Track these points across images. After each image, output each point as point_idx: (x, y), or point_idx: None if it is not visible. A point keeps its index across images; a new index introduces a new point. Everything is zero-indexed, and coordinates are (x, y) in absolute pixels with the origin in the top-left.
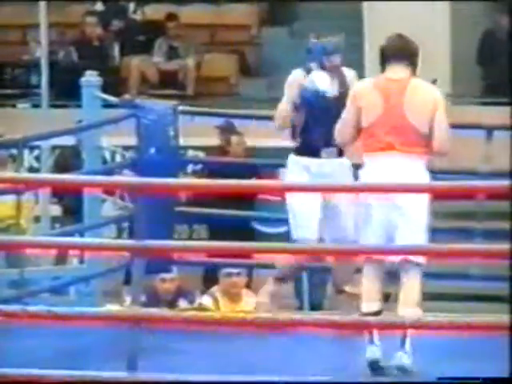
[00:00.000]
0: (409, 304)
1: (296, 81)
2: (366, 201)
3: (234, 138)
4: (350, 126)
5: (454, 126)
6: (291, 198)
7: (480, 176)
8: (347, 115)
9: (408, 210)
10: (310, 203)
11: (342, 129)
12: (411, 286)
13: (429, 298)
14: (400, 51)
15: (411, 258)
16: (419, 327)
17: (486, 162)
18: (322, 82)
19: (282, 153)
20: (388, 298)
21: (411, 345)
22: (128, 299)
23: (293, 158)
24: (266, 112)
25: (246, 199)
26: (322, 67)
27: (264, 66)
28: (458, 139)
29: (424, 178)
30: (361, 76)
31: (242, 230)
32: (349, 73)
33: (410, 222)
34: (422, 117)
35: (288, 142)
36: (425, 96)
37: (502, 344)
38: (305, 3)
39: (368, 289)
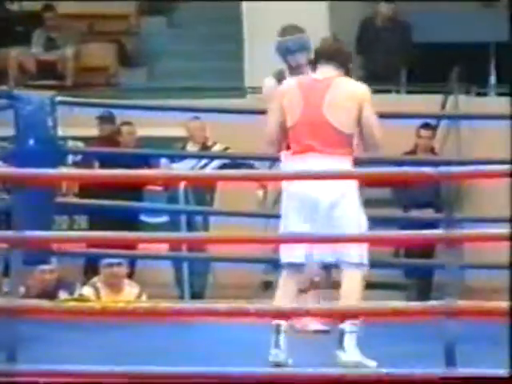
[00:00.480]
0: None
1: (268, 88)
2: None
3: (124, 128)
4: (273, 125)
5: None
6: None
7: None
8: (271, 114)
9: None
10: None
11: (268, 130)
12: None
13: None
14: (330, 53)
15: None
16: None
17: None
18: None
19: (165, 142)
20: (268, 287)
21: None
22: (7, 291)
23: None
24: (146, 102)
25: (133, 189)
26: (289, 67)
27: (143, 56)
28: None
29: (348, 180)
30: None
31: (127, 221)
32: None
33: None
34: (345, 116)
35: (172, 131)
36: (347, 94)
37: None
38: None
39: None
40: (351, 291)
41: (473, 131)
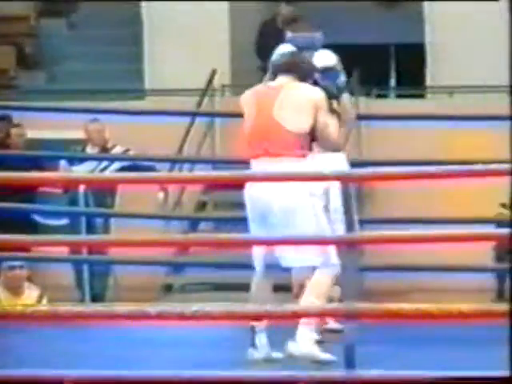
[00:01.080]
0: None
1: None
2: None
3: (13, 130)
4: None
5: (233, 116)
6: None
7: None
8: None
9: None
10: None
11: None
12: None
13: (211, 288)
14: (287, 66)
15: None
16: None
17: None
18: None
19: (64, 145)
20: (169, 289)
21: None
22: None
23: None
24: (46, 104)
25: (27, 192)
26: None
27: (43, 58)
28: (235, 128)
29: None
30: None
31: (24, 223)
32: None
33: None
34: (296, 117)
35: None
36: (300, 97)
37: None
38: None
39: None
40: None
41: (373, 132)
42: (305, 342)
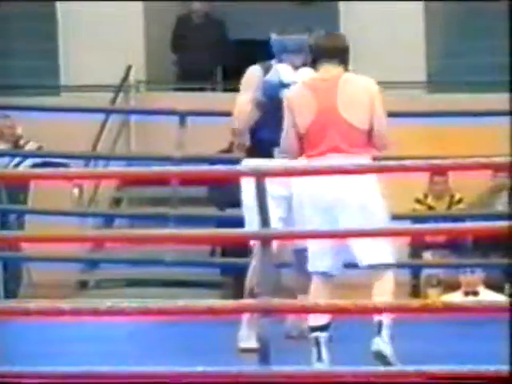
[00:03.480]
0: None
1: (255, 76)
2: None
3: None
4: (293, 135)
5: (148, 112)
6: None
7: (173, 162)
8: (287, 125)
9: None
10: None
11: (287, 141)
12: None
13: (125, 284)
14: (330, 49)
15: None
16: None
17: (180, 148)
18: (287, 74)
19: None
20: (84, 286)
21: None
22: None
23: (248, 162)
24: None
25: None
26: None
27: None
28: (150, 125)
29: (371, 178)
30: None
31: None
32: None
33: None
34: (359, 112)
35: None
36: (358, 90)
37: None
38: None
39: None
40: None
41: None
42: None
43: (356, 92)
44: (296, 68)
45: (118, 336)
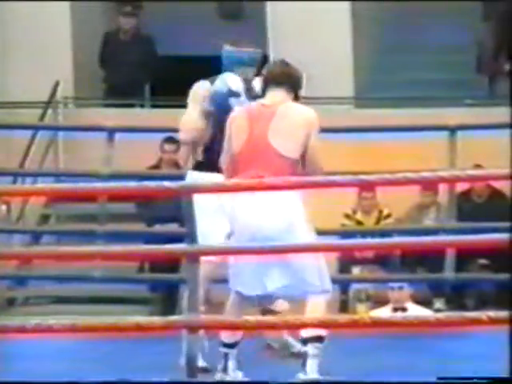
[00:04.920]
0: None
1: (202, 90)
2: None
3: None
4: (227, 157)
5: (77, 129)
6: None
7: (101, 178)
8: (224, 145)
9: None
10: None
11: (222, 161)
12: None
13: (53, 301)
14: (278, 76)
15: None
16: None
17: (108, 164)
18: (236, 83)
19: None
20: (12, 303)
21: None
22: None
23: (193, 175)
24: None
25: None
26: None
27: None
28: (79, 141)
29: (296, 201)
30: None
31: None
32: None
33: None
34: (290, 141)
35: None
36: (295, 119)
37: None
38: None
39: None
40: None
41: None
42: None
43: (292, 121)
44: (248, 81)
45: (45, 353)
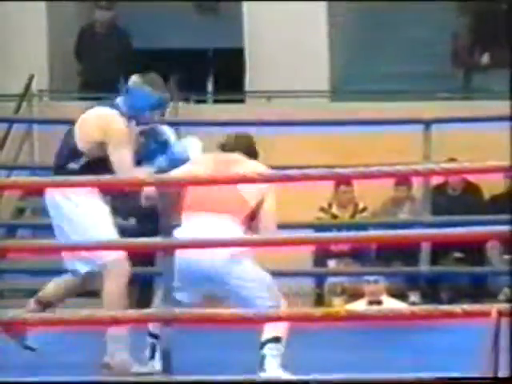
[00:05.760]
0: None
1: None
2: None
3: None
4: None
5: (52, 122)
6: None
7: None
8: None
9: None
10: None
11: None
12: None
13: (27, 294)
14: (234, 145)
15: None
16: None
17: None
18: (196, 150)
19: None
20: None
21: None
22: None
23: None
24: None
25: None
26: (136, 118)
27: None
28: (54, 134)
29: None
30: None
31: None
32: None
33: None
34: (251, 190)
35: None
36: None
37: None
38: None
39: None
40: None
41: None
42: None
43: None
44: (140, 124)
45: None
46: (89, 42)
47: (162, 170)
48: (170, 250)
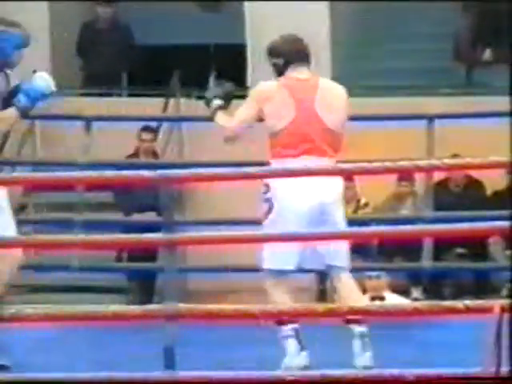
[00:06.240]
0: None
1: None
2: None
3: None
4: (247, 122)
5: (54, 117)
6: None
7: (79, 167)
8: (247, 111)
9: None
10: None
11: (234, 124)
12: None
13: (29, 290)
14: (302, 52)
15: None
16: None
17: (86, 153)
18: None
19: None
20: None
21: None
22: None
23: None
24: None
25: None
26: (5, 65)
27: None
28: (56, 130)
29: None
30: None
31: None
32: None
33: None
34: (335, 116)
35: None
36: (335, 94)
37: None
38: None
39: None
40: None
41: (194, 134)
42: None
43: (333, 96)
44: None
45: (21, 343)
46: (91, 37)
47: (25, 106)
48: (172, 245)
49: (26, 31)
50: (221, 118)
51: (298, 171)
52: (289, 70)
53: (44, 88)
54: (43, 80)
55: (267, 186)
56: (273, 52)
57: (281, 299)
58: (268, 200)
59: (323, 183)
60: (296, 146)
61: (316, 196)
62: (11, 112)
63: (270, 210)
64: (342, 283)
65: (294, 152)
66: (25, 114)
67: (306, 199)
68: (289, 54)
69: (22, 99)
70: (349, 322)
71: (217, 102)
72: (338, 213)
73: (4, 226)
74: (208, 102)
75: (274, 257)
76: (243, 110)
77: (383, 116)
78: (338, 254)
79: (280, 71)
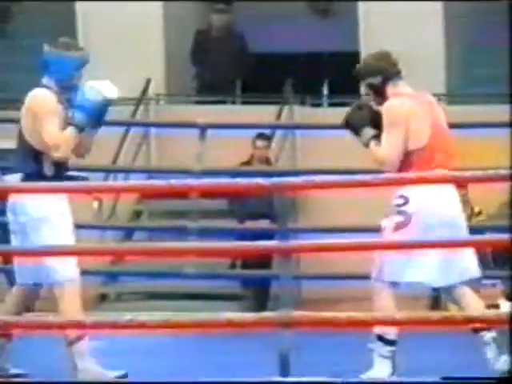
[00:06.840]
0: None
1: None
2: None
3: None
4: (401, 151)
5: (169, 125)
6: None
7: (193, 175)
8: (399, 139)
9: None
10: None
11: (395, 155)
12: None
13: (145, 297)
14: (397, 66)
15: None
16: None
17: (200, 161)
18: (111, 90)
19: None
20: (104, 299)
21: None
22: None
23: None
24: None
25: None
26: (65, 86)
27: None
28: (170, 138)
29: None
30: None
31: None
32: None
33: None
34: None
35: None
36: (440, 108)
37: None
38: (16, 3)
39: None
40: None
41: (308, 141)
42: None
43: (440, 109)
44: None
45: (137, 350)
46: (205, 45)
47: (83, 122)
48: (287, 253)
49: (84, 51)
50: (376, 150)
51: (417, 179)
52: (389, 86)
53: (97, 97)
54: (94, 90)
55: (405, 197)
56: (368, 72)
57: (389, 307)
58: (403, 213)
59: (451, 193)
60: (430, 161)
61: (451, 206)
62: (71, 132)
63: (404, 223)
64: (462, 292)
65: (428, 167)
66: (85, 128)
67: (447, 210)
68: (386, 71)
69: (77, 116)
70: (476, 329)
71: (370, 132)
72: (464, 222)
73: (60, 234)
74: (367, 144)
75: (411, 269)
76: (395, 139)
77: (496, 123)
78: (474, 264)
79: (378, 89)
